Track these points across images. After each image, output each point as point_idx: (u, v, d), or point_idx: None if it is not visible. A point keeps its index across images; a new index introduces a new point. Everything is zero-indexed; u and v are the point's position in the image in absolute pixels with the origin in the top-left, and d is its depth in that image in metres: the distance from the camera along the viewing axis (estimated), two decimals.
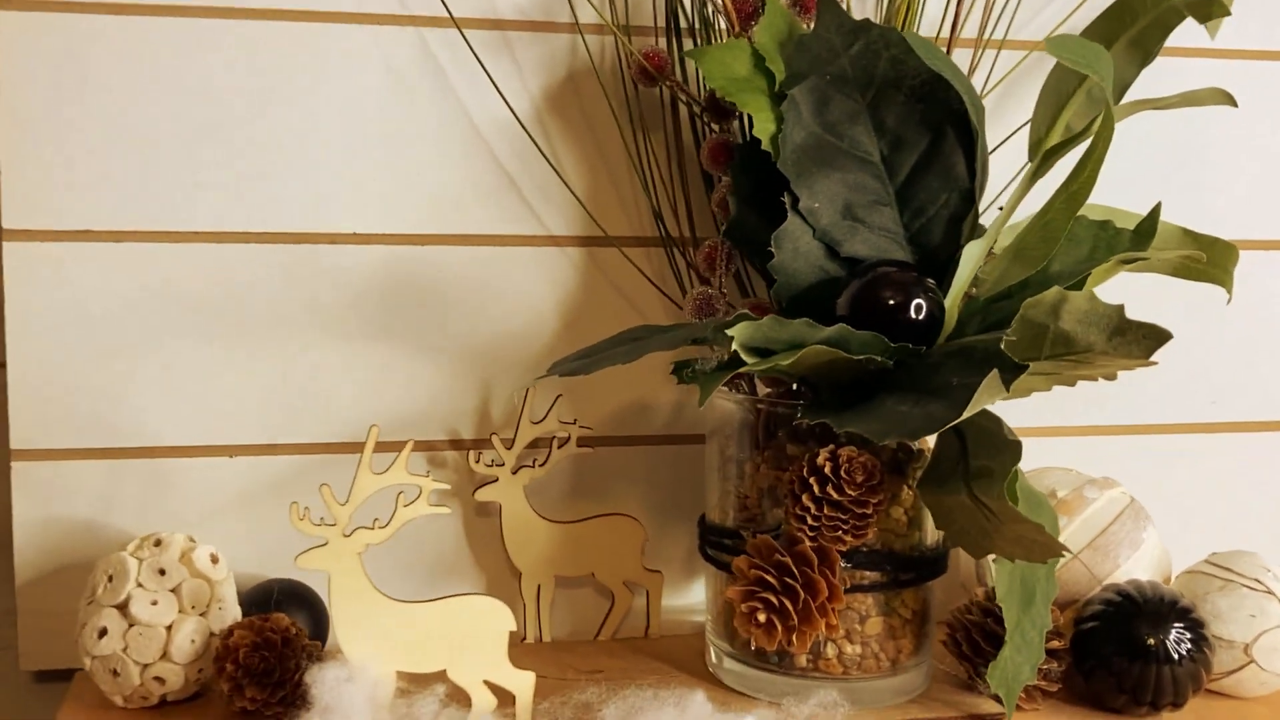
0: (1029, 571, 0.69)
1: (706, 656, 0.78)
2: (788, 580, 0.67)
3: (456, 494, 0.81)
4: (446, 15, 0.77)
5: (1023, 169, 0.77)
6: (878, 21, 0.82)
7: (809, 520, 0.67)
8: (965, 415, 0.58)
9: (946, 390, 0.62)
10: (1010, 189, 0.79)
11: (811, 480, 0.67)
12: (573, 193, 0.80)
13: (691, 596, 0.85)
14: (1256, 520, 0.92)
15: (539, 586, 0.80)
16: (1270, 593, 0.75)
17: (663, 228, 0.80)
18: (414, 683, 0.66)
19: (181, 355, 0.77)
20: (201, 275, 0.77)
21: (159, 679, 0.69)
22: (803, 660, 0.72)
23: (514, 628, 0.66)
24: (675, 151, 0.80)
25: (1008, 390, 0.58)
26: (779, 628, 0.67)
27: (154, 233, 0.76)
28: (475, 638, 0.66)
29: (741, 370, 0.62)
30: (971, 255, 0.70)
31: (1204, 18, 0.66)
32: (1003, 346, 0.60)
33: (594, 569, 0.81)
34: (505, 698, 0.67)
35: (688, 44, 0.79)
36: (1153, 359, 0.64)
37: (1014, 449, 0.61)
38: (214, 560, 0.72)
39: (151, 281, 0.76)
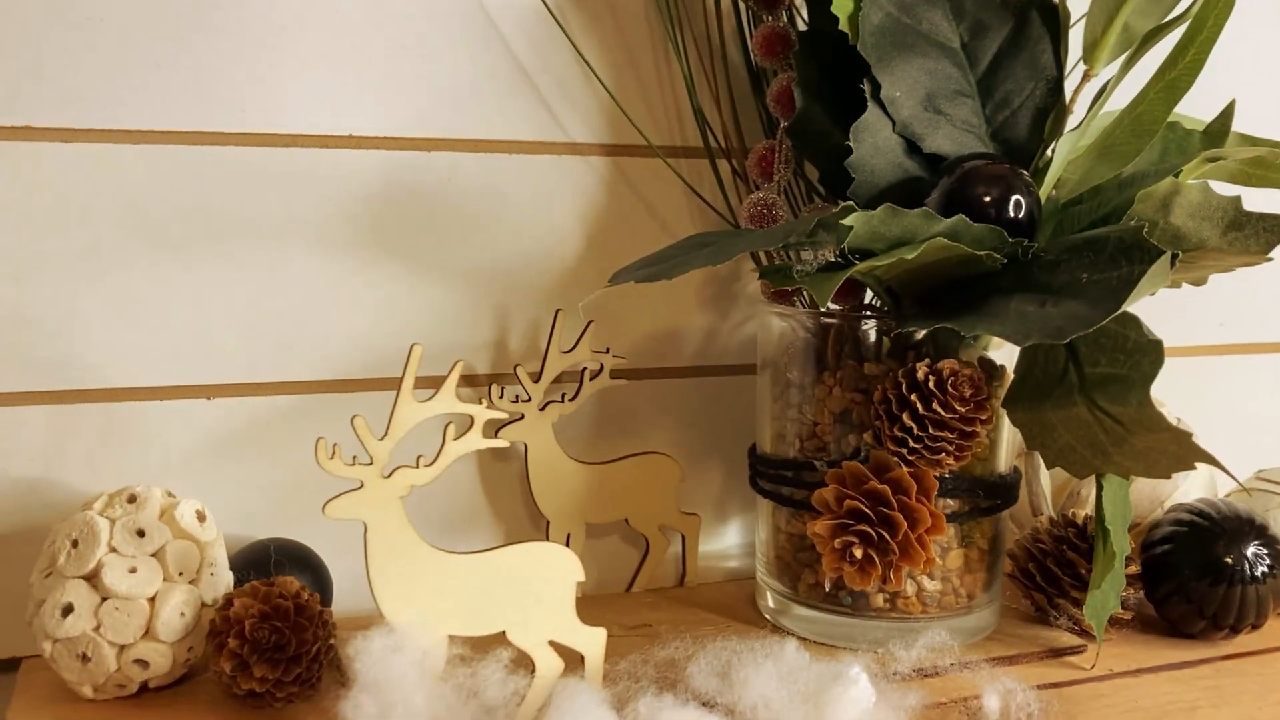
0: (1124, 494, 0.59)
1: (761, 602, 0.65)
2: (883, 510, 0.55)
3: None
4: None
5: (1073, 68, 0.66)
6: None
7: (910, 442, 0.55)
8: (1125, 307, 0.47)
9: (1077, 287, 0.51)
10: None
11: (913, 397, 0.55)
12: (606, 89, 0.66)
13: (724, 540, 0.73)
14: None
15: (568, 535, 0.66)
16: None
17: (705, 125, 0.66)
18: (471, 647, 0.51)
19: (144, 278, 0.60)
20: (166, 184, 0.60)
21: (141, 662, 0.52)
22: (880, 600, 0.60)
23: (583, 578, 0.52)
24: (720, 47, 0.67)
25: (1170, 280, 0.47)
26: (877, 563, 0.55)
27: (106, 131, 0.59)
28: (540, 592, 0.52)
29: (859, 269, 0.50)
30: (1065, 150, 0.59)
31: None
32: (1145, 233, 0.49)
33: (627, 514, 0.67)
34: (572, 658, 0.53)
35: None
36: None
37: (1155, 350, 0.50)
38: (200, 518, 0.56)
39: (104, 189, 0.59)
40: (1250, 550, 0.63)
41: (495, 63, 0.64)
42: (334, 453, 0.49)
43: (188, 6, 0.59)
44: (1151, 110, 0.58)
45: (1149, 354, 0.51)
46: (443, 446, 0.50)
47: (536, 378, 0.64)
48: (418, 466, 0.50)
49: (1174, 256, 0.48)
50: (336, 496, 0.49)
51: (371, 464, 0.49)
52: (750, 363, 0.70)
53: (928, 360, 0.56)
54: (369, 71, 0.62)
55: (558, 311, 0.64)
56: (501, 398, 0.64)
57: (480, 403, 0.51)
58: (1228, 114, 0.63)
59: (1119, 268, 0.50)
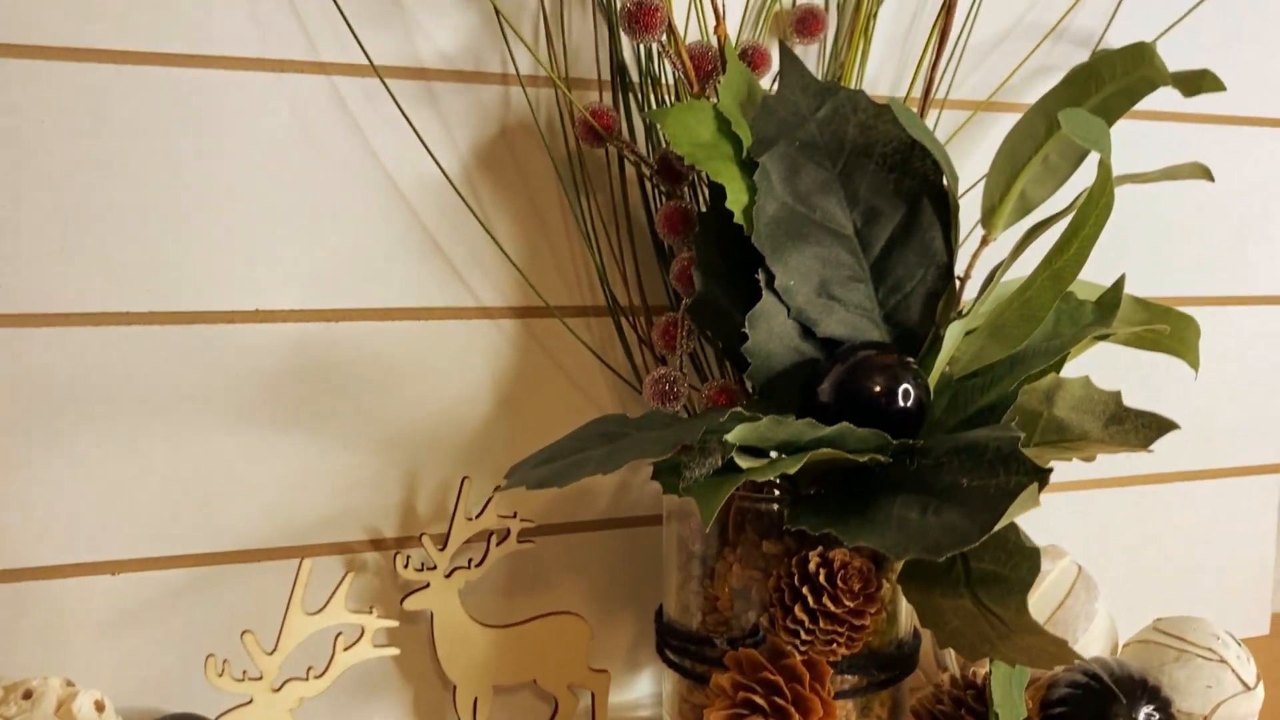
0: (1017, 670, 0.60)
1: None
2: (777, 700, 0.56)
3: (379, 599, 0.66)
4: (362, 63, 0.62)
5: (969, 233, 0.68)
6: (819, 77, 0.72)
7: (802, 634, 0.56)
8: (995, 530, 0.48)
9: (957, 493, 0.52)
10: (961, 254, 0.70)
11: (804, 590, 0.55)
12: (509, 258, 0.66)
13: (636, 689, 0.73)
14: (1177, 574, 0.86)
15: (475, 699, 0.66)
16: (1224, 661, 0.68)
17: (610, 296, 0.67)
18: None
19: (48, 457, 0.60)
20: (72, 364, 0.59)
21: None
22: None
23: None
24: (624, 214, 0.67)
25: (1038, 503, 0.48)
26: None
27: (11, 316, 0.58)
28: None
29: (747, 476, 0.50)
30: (953, 336, 0.60)
31: (1192, 92, 0.58)
32: (1020, 447, 0.50)
33: (536, 675, 0.67)
34: None
35: (631, 97, 0.66)
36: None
37: (1032, 558, 0.51)
38: (99, 708, 0.55)
39: (8, 373, 0.58)
40: (1143, 714, 0.64)
41: (404, 231, 0.65)
42: (223, 669, 0.49)
43: (91, 191, 0.59)
44: (1040, 296, 0.60)
45: (1027, 559, 0.51)
46: (333, 658, 0.50)
47: (443, 544, 0.64)
48: (308, 679, 0.50)
49: (1046, 475, 0.49)
50: (227, 711, 0.49)
51: (261, 679, 0.49)
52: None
53: (820, 549, 0.57)
54: (276, 245, 0.62)
55: (464, 479, 0.64)
56: (407, 566, 0.63)
57: (368, 612, 0.51)
58: (1118, 287, 0.64)
59: (996, 476, 0.51)
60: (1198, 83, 0.58)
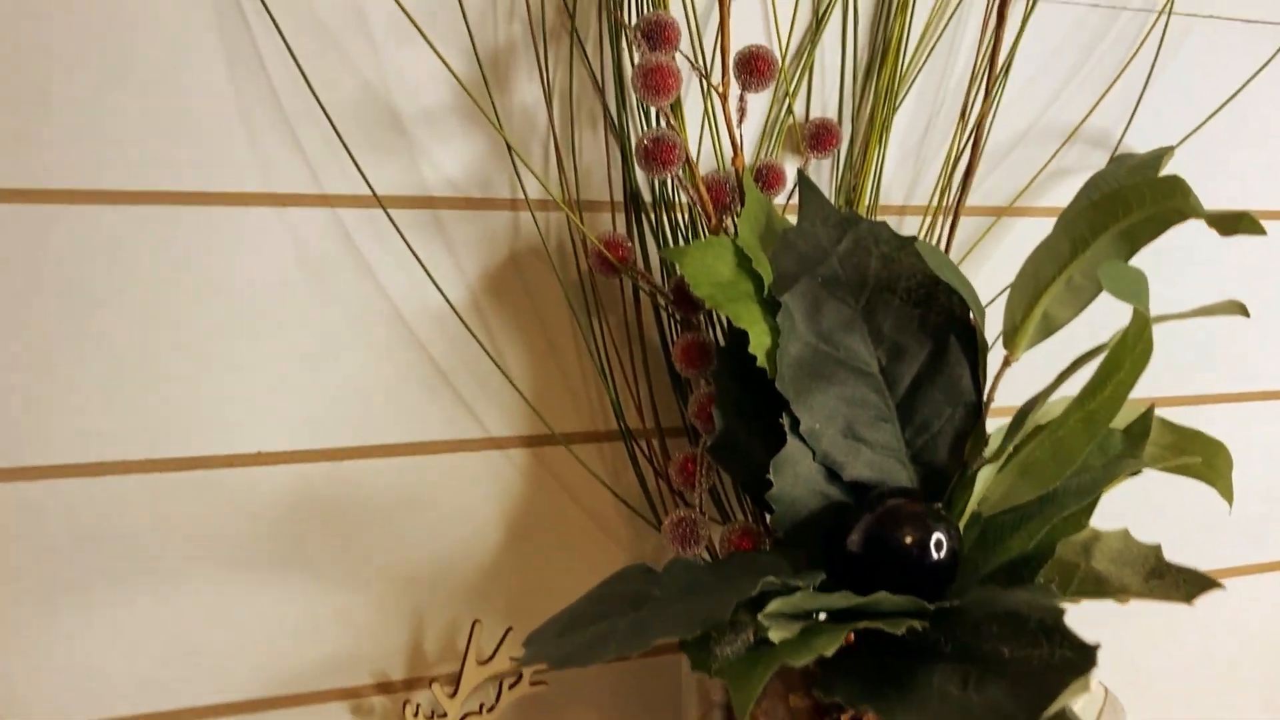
0: None
1: None
2: None
3: None
4: (366, 194, 0.59)
5: (990, 346, 0.66)
6: (831, 194, 0.70)
7: None
8: (1048, 715, 0.45)
9: (999, 662, 0.49)
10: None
11: None
12: (515, 387, 0.64)
13: None
14: (1193, 669, 0.84)
15: None
16: None
17: (624, 426, 0.64)
18: None
19: (43, 610, 0.57)
20: (65, 516, 0.57)
21: None
22: None
23: None
24: (638, 337, 0.65)
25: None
26: None
27: (7, 470, 0.55)
28: None
29: (782, 661, 0.48)
30: (984, 479, 0.58)
31: (1229, 232, 0.56)
32: (1064, 619, 0.48)
33: None
34: None
35: (644, 219, 0.64)
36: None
37: None
38: None
39: (3, 526, 0.55)
40: None
41: (410, 364, 0.62)
42: None
43: (98, 333, 0.56)
44: (1072, 437, 0.57)
45: None
46: None
47: (453, 690, 0.61)
48: None
49: (1093, 654, 0.47)
50: None
51: None
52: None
53: (851, 713, 0.54)
54: (279, 384, 0.60)
55: (475, 623, 0.61)
56: (417, 715, 0.61)
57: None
58: (1147, 416, 0.62)
59: (1039, 648, 0.48)
60: (1234, 224, 0.56)
